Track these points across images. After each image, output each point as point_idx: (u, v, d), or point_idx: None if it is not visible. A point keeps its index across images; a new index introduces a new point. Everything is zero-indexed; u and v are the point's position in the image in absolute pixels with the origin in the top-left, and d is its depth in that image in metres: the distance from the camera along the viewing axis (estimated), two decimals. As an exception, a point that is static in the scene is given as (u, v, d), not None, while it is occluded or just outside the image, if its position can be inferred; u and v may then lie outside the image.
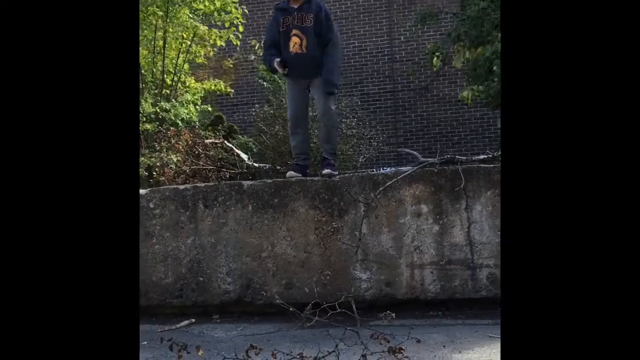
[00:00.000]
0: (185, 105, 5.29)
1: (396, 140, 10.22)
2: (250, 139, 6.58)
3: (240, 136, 6.75)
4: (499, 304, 3.60)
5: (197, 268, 4.05)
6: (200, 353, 2.80)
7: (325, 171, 4.11)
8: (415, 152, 4.33)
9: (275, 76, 7.08)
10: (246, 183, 4.06)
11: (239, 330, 3.49)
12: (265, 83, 7.55)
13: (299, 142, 4.36)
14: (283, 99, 7.21)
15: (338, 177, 3.98)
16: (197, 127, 5.69)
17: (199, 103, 5.84)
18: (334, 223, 3.89)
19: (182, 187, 4.14)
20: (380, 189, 3.65)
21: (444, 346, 2.77)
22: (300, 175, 4.15)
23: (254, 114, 7.19)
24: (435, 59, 7.20)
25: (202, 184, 4.15)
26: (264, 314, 3.98)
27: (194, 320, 3.81)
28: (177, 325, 3.63)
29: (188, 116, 5.27)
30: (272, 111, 6.92)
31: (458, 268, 3.75)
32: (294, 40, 4.21)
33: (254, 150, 5.83)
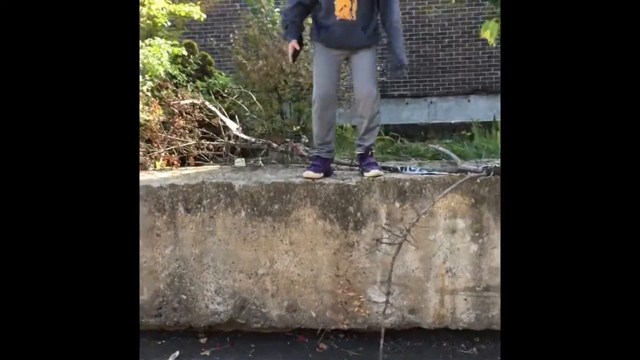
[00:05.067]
0: (158, 55, 4.24)
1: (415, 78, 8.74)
2: (230, 77, 5.59)
3: (217, 74, 5.72)
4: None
5: (179, 284, 3.33)
6: None
7: (372, 171, 3.20)
8: (453, 155, 3.46)
9: None
10: (237, 184, 3.25)
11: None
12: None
13: (325, 128, 3.35)
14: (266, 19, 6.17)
15: (355, 181, 3.19)
16: (168, 75, 4.68)
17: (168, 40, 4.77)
18: (348, 237, 3.17)
19: (156, 184, 3.31)
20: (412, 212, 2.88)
21: None
22: (322, 175, 3.25)
23: (232, 42, 6.14)
24: None
25: (182, 182, 3.31)
26: (262, 335, 3.35)
27: (177, 354, 3.15)
28: (158, 371, 2.97)
29: (160, 67, 4.26)
30: (253, 33, 5.88)
31: (498, 295, 3.12)
32: (343, 2, 3.21)
33: (241, 88, 4.86)
